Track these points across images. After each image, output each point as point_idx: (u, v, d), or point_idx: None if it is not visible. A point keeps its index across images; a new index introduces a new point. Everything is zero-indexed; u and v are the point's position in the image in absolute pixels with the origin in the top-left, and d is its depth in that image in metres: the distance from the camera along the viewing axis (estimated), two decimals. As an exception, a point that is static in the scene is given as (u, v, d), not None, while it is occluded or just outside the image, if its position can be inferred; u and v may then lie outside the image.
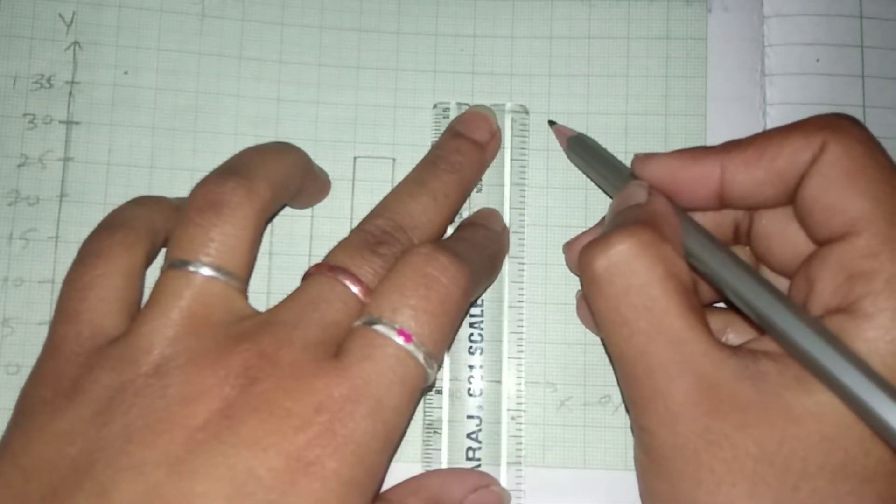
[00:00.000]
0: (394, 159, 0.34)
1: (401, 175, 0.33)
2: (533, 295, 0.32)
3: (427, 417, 0.31)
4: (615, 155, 0.31)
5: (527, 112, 0.33)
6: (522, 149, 0.33)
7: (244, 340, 0.24)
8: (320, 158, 0.33)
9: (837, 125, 0.25)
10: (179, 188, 0.33)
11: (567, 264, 0.32)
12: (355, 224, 0.32)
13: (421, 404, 0.31)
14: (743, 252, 0.29)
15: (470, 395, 0.31)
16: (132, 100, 0.33)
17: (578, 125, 0.33)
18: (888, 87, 0.33)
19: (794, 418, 0.23)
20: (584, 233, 0.32)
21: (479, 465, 0.31)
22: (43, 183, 0.33)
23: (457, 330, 0.27)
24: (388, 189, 0.33)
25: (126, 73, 0.33)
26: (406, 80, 0.34)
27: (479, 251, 0.29)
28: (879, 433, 0.22)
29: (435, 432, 0.31)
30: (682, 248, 0.26)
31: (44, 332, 0.31)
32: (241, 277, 0.26)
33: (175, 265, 0.25)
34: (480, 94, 0.34)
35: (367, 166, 0.33)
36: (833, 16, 0.34)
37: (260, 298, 0.32)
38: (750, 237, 0.28)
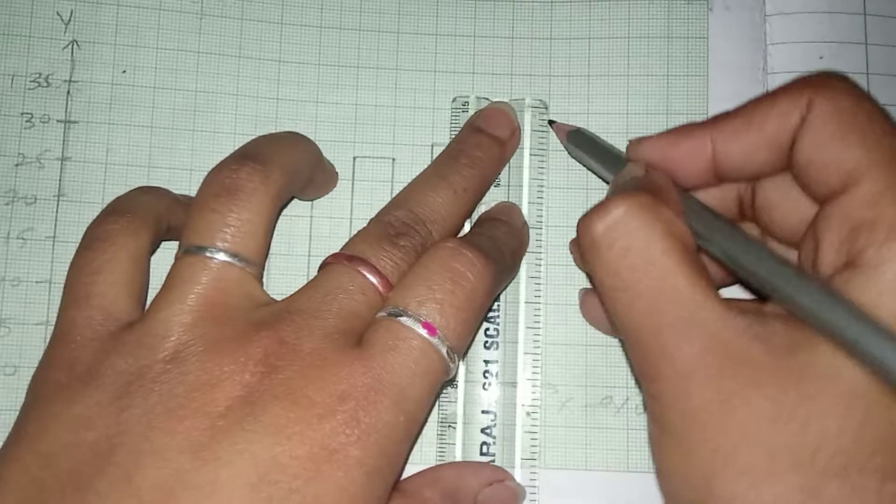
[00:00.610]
0: (393, 159, 0.33)
1: (401, 175, 0.33)
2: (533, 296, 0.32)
3: (442, 412, 0.31)
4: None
5: (546, 107, 0.33)
6: (542, 145, 0.33)
7: (263, 328, 0.24)
8: (319, 158, 0.33)
9: (822, 82, 0.24)
10: (178, 188, 0.32)
11: (575, 262, 0.32)
12: (355, 225, 0.33)
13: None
14: (750, 228, 0.28)
15: (485, 389, 0.31)
16: (130, 99, 0.33)
17: (578, 124, 0.33)
18: (892, 84, 0.33)
19: (806, 378, 0.22)
20: None
21: (493, 461, 0.31)
22: (40, 182, 0.32)
23: (479, 326, 0.27)
24: (387, 189, 0.33)
25: (124, 71, 0.33)
26: (406, 79, 0.34)
27: (502, 247, 0.29)
28: (893, 385, 0.21)
29: (450, 426, 0.31)
30: (682, 213, 0.25)
31: (41, 332, 0.31)
32: (258, 264, 0.26)
33: (191, 251, 0.25)
34: (480, 93, 0.34)
35: (366, 166, 0.33)
36: (836, 13, 0.34)
37: (258, 299, 0.32)
38: (754, 210, 0.27)
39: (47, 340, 0.29)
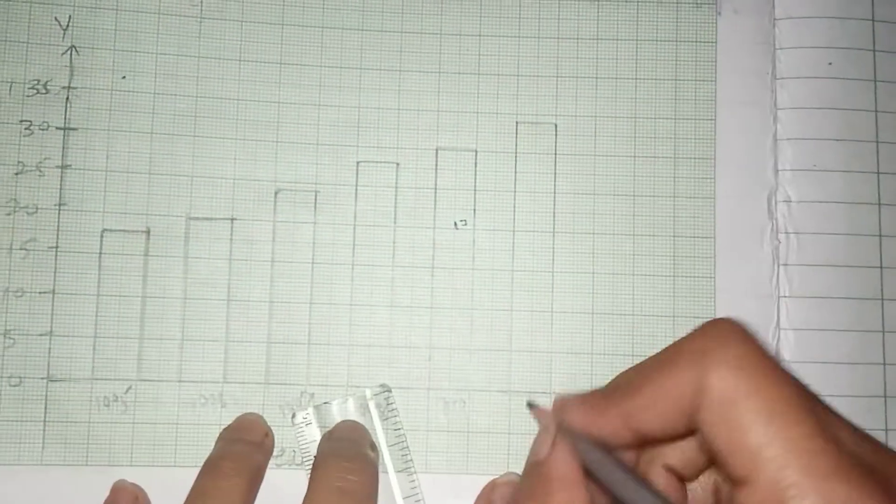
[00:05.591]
0: (397, 164, 0.33)
1: (404, 180, 0.33)
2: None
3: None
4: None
5: (389, 390, 0.32)
6: (396, 428, 0.32)
7: None
8: (322, 163, 0.33)
9: (709, 354, 0.22)
10: (179, 194, 0.32)
11: None
12: (358, 231, 0.32)
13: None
14: None
15: None
16: (130, 105, 0.33)
17: (586, 128, 0.33)
18: (901, 93, 0.33)
19: None
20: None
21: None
22: (41, 191, 0.32)
23: None
24: (391, 195, 0.33)
25: (124, 77, 0.33)
26: (410, 81, 0.33)
27: None
28: None
29: None
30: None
31: (45, 343, 0.31)
32: None
33: None
34: (485, 95, 0.33)
35: (369, 171, 0.33)
36: (846, 18, 0.33)
37: (262, 307, 0.32)
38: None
39: (51, 351, 0.29)
